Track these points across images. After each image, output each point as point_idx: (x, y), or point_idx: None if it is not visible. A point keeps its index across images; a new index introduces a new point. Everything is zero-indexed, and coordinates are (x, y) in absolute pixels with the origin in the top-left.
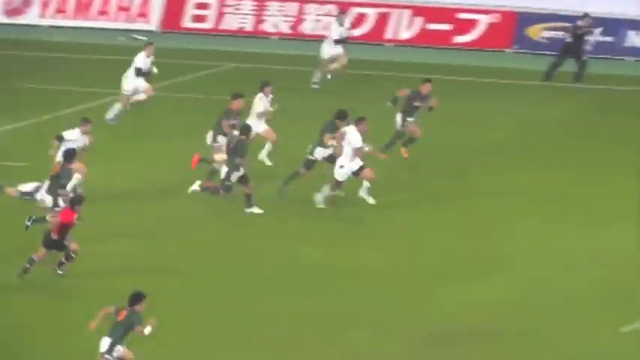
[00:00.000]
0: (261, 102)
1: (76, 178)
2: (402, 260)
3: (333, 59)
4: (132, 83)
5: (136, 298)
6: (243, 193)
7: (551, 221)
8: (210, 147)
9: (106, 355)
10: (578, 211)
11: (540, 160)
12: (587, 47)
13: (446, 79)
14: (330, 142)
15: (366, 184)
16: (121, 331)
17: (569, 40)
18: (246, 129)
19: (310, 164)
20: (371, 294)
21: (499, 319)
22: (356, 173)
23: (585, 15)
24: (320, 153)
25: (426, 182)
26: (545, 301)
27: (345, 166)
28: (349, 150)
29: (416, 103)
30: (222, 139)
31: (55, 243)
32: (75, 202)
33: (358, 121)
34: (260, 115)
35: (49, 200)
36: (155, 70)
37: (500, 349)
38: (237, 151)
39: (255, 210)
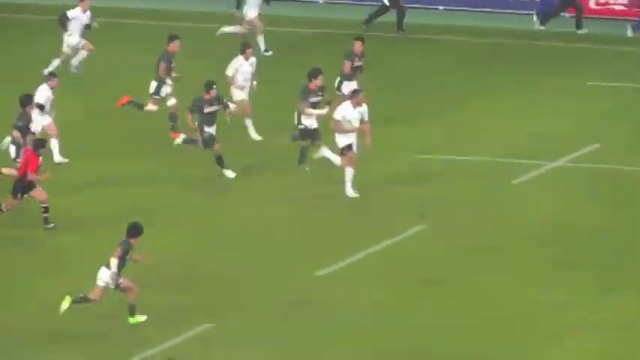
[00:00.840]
0: (242, 67)
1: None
2: None
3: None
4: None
5: (134, 230)
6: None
7: None
8: (149, 96)
9: (115, 289)
10: None
11: None
12: None
13: None
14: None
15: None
16: (120, 263)
17: None
18: (209, 84)
19: (307, 133)
20: None
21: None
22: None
23: None
24: (307, 120)
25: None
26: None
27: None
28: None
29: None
30: (164, 90)
31: (21, 184)
32: (37, 144)
33: (353, 95)
34: (241, 84)
35: (12, 151)
36: (96, 24)
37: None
38: (194, 108)
39: (229, 173)
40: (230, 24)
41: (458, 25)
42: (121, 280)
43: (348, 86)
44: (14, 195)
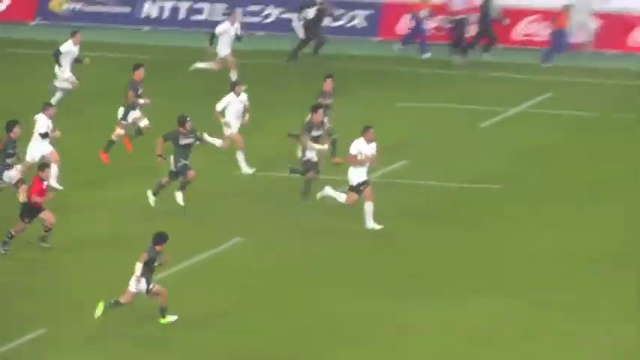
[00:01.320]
0: (232, 104)
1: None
2: None
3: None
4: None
5: (159, 238)
6: (180, 181)
7: None
8: (118, 122)
9: (146, 295)
10: None
11: None
12: None
13: None
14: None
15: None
16: (147, 269)
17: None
18: (182, 119)
19: (309, 165)
20: None
21: None
22: (362, 185)
23: None
24: (310, 154)
25: None
26: None
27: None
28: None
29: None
30: (131, 115)
31: (27, 207)
32: (41, 167)
33: (365, 129)
34: (232, 120)
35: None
36: (87, 59)
37: None
38: (169, 137)
39: (179, 198)
40: (203, 60)
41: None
42: (151, 286)
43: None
44: (22, 218)
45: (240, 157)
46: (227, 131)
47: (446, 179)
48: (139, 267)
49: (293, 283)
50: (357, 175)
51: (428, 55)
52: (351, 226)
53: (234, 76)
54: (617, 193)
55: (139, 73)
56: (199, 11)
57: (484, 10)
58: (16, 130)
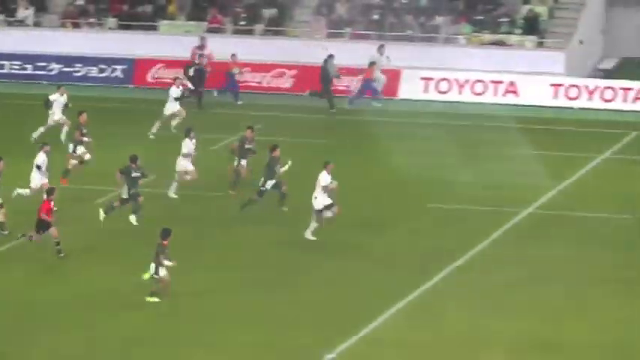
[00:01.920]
0: (186, 145)
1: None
2: None
3: (174, 115)
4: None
5: (164, 233)
6: (131, 204)
7: None
8: (70, 155)
9: (155, 276)
10: None
11: None
12: None
13: None
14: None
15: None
16: (157, 257)
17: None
18: (133, 158)
19: (262, 193)
20: None
21: None
22: (327, 208)
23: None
24: (270, 184)
25: None
26: None
27: (318, 197)
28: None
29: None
30: (80, 149)
31: (39, 223)
32: (48, 192)
33: (326, 165)
34: (186, 156)
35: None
36: (70, 104)
37: None
38: (123, 172)
39: (133, 219)
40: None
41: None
42: (159, 272)
43: (241, 162)
44: (37, 231)
45: (174, 186)
46: (189, 166)
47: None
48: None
49: None
50: (324, 199)
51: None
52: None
53: (174, 124)
54: None
55: (83, 118)
56: None
57: (324, 68)
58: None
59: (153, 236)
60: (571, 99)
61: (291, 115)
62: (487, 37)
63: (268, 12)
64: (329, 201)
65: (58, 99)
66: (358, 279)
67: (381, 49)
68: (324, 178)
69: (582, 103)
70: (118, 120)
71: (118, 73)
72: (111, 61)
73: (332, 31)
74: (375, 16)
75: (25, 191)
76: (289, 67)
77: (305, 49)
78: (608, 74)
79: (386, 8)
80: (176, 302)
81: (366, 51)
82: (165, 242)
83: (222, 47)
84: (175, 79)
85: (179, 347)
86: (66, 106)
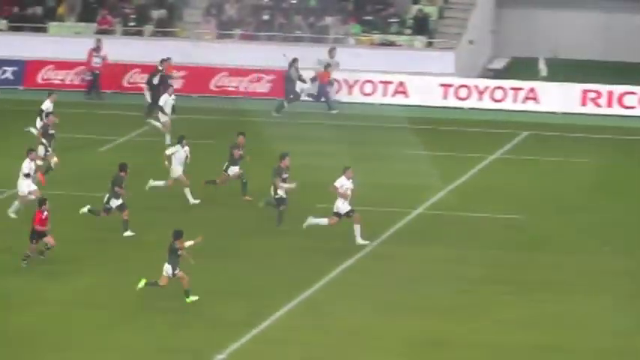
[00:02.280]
0: (178, 153)
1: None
2: None
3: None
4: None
5: (176, 234)
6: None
7: None
8: (44, 158)
9: (173, 276)
10: None
11: None
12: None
13: None
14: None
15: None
16: (171, 257)
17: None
18: (123, 166)
19: (281, 200)
20: None
21: None
22: (346, 214)
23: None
24: (281, 191)
25: None
26: None
27: (345, 203)
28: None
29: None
30: (47, 152)
31: (35, 234)
32: (40, 202)
33: (345, 170)
34: (179, 163)
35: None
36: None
37: None
38: (115, 182)
39: (128, 233)
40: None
41: None
42: (177, 271)
43: (233, 170)
44: (31, 241)
45: (187, 192)
46: (177, 173)
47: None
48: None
49: None
50: (344, 205)
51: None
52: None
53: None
54: None
55: (50, 120)
56: None
57: (289, 73)
58: None
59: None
60: (461, 99)
61: (182, 117)
62: (376, 37)
63: (157, 13)
64: (348, 207)
65: (49, 107)
66: (249, 280)
67: (332, 52)
68: (339, 182)
69: (472, 103)
70: (7, 122)
71: (9, 75)
72: (1, 63)
73: (222, 32)
74: (265, 17)
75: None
76: (179, 68)
77: (195, 49)
78: (498, 74)
79: (275, 9)
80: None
81: (254, 52)
82: (178, 242)
83: (112, 48)
84: (169, 87)
85: None
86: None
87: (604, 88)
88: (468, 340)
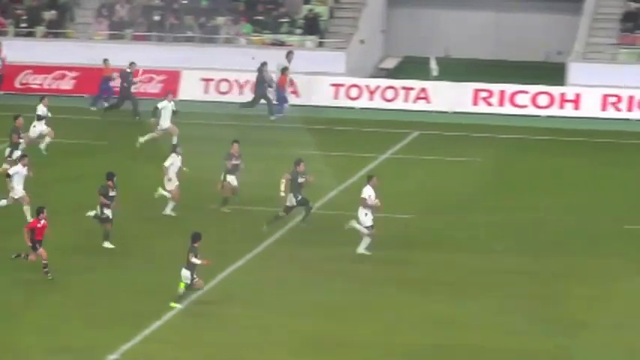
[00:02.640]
0: (168, 160)
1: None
2: None
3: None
4: (38, 129)
5: (194, 237)
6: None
7: None
8: (5, 159)
9: (193, 281)
10: None
11: None
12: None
13: None
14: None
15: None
16: (189, 262)
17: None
18: (110, 175)
19: (290, 209)
20: None
21: None
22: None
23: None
24: (295, 200)
25: None
26: None
27: (368, 214)
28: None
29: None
30: (15, 153)
31: (34, 243)
32: (37, 211)
33: (370, 179)
34: (172, 172)
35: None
36: (49, 114)
37: None
38: (100, 191)
39: (108, 245)
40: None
41: None
42: (195, 280)
43: (231, 178)
44: (34, 250)
45: (170, 204)
46: (172, 185)
47: None
48: (193, 262)
49: None
50: (367, 217)
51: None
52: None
53: (174, 140)
54: None
55: (19, 122)
56: None
57: (260, 76)
58: None
59: None
60: (352, 99)
61: (72, 117)
62: (267, 37)
63: (48, 14)
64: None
65: (43, 110)
66: (136, 280)
67: (289, 55)
68: (366, 191)
69: (363, 103)
70: None
71: None
72: None
73: (113, 32)
74: (156, 18)
75: (2, 202)
76: (70, 69)
77: (86, 50)
78: (389, 74)
79: (166, 9)
80: None
81: (146, 53)
82: (196, 245)
83: (5, 50)
84: (168, 93)
85: None
86: (45, 117)
87: (495, 87)
88: (360, 340)
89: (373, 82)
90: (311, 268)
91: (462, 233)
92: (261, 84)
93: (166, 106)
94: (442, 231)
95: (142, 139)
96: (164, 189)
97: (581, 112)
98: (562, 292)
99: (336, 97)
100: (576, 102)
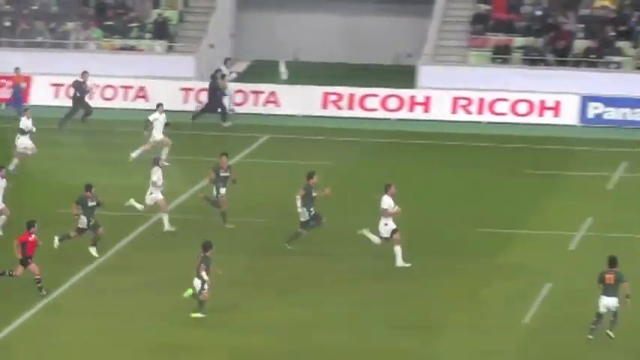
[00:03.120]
0: (155, 174)
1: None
2: None
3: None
4: (22, 142)
5: (206, 245)
6: (92, 236)
7: None
8: None
9: (203, 289)
10: None
11: None
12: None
13: None
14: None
15: (397, 248)
16: (199, 272)
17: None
18: (88, 186)
19: (307, 225)
20: None
21: None
22: (393, 232)
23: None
24: (305, 214)
25: None
26: None
27: (388, 224)
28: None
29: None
30: None
31: (21, 260)
32: (29, 225)
33: (388, 187)
34: (155, 185)
35: None
36: (34, 129)
37: None
38: (78, 202)
39: (93, 251)
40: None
41: None
42: (205, 288)
43: (223, 190)
44: (24, 266)
45: (165, 217)
46: (158, 197)
47: None
48: (203, 274)
49: None
50: (391, 224)
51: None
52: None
53: (164, 154)
54: None
55: None
56: None
57: (213, 83)
58: None
59: None
60: (200, 102)
61: None
62: (117, 42)
63: None
64: (393, 226)
65: (26, 123)
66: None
67: (227, 62)
68: (386, 202)
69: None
70: None
71: None
72: None
73: None
74: (7, 23)
75: None
76: None
77: None
78: (239, 77)
79: (17, 15)
80: None
81: None
82: (207, 254)
83: None
84: (159, 105)
85: None
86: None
87: (345, 91)
88: (209, 344)
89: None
90: (160, 273)
91: (318, 236)
92: (215, 91)
93: (158, 118)
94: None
95: (133, 154)
96: (136, 201)
97: (431, 115)
98: (416, 294)
99: (185, 101)
100: (426, 105)
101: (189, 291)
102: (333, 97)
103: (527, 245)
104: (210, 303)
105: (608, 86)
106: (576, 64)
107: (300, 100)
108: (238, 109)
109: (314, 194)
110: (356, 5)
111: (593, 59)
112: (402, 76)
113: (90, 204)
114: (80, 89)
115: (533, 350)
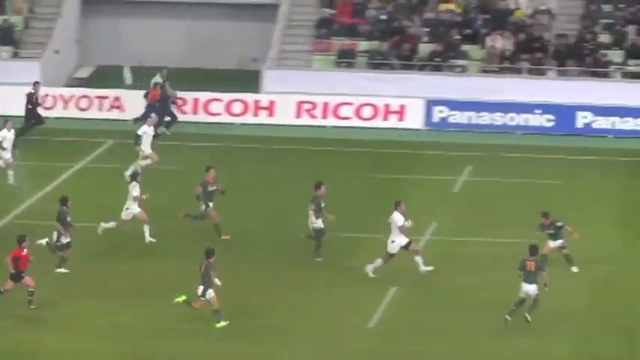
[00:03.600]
0: (134, 189)
1: None
2: None
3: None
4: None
5: (209, 253)
6: (60, 255)
7: None
8: None
9: (201, 298)
10: None
11: None
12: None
13: None
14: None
15: (417, 258)
16: (206, 278)
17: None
18: (64, 200)
19: (320, 232)
20: None
21: None
22: (405, 247)
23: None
24: (319, 223)
25: None
26: None
27: (395, 241)
28: (395, 228)
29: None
30: None
31: (13, 275)
32: (19, 240)
33: (398, 205)
34: (135, 199)
35: None
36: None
37: None
38: (57, 218)
39: (63, 270)
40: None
41: None
42: (208, 293)
43: (209, 206)
44: (14, 282)
45: (146, 228)
46: (136, 209)
47: None
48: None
49: None
50: (402, 239)
51: None
52: None
53: (140, 167)
54: None
55: None
56: None
57: (163, 91)
58: None
59: None
60: (47, 109)
61: None
62: None
63: None
64: (405, 240)
65: (7, 135)
66: None
67: (162, 71)
68: (398, 219)
69: (58, 112)
70: None
71: None
72: None
73: None
74: None
75: None
76: None
77: None
78: (83, 83)
79: None
80: None
81: None
82: (211, 260)
83: None
84: (148, 118)
85: None
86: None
87: (189, 95)
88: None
89: (67, 92)
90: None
91: (166, 241)
92: (165, 99)
93: (147, 132)
94: (142, 240)
95: (127, 172)
96: (106, 222)
97: (275, 120)
98: (267, 302)
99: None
100: (270, 109)
101: (182, 297)
102: (178, 102)
103: (372, 249)
104: (41, 312)
105: (453, 90)
106: (421, 68)
107: (144, 105)
108: (83, 115)
109: (323, 205)
110: (201, 10)
111: (438, 63)
112: (247, 80)
113: (69, 219)
114: (31, 101)
115: (380, 354)
